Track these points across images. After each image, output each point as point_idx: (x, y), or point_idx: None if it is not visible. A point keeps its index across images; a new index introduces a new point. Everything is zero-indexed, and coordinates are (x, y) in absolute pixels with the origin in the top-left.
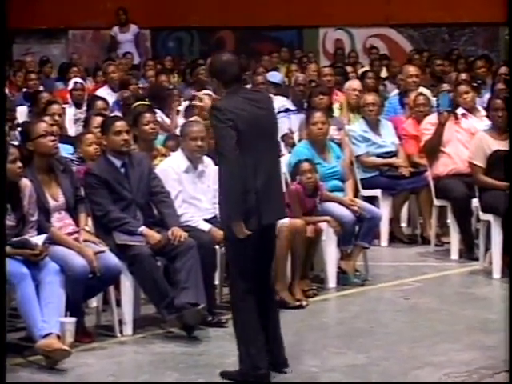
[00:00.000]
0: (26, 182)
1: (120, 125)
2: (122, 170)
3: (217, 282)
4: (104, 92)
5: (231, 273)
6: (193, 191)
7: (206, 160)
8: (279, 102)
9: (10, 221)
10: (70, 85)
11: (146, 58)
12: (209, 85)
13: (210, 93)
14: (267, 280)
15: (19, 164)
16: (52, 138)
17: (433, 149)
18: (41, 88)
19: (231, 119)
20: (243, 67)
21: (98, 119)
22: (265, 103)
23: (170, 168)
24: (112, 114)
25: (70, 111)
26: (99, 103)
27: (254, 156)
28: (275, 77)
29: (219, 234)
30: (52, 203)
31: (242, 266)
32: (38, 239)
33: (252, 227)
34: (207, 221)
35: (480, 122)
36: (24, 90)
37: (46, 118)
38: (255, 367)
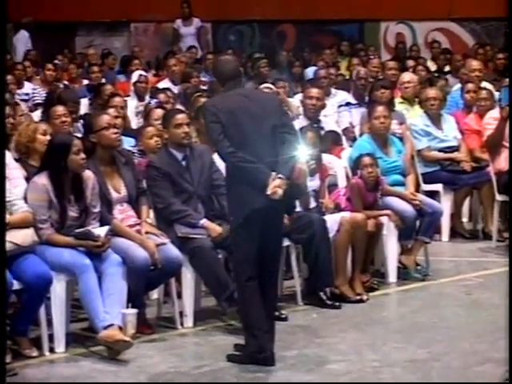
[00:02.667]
0: (88, 174)
1: (181, 117)
2: (184, 163)
3: None
4: (165, 85)
5: (236, 258)
6: None
7: None
8: (341, 96)
9: (73, 212)
10: (134, 77)
11: (207, 52)
12: (269, 78)
13: (271, 86)
14: (271, 272)
15: (82, 156)
16: (115, 130)
17: (495, 143)
18: (103, 80)
19: (214, 113)
20: (239, 67)
21: (158, 112)
22: (258, 97)
23: None
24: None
25: (132, 104)
26: (162, 96)
27: (240, 142)
28: (312, 72)
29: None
30: (114, 195)
31: (247, 252)
32: (101, 231)
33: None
34: None
35: None
36: (86, 82)
37: (111, 111)
38: (261, 349)
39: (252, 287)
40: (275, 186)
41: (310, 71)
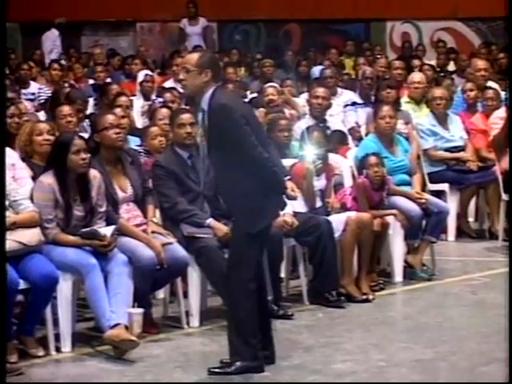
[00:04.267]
0: (94, 173)
1: (184, 117)
2: (189, 162)
3: (283, 275)
4: (171, 85)
5: (236, 263)
6: None
7: None
8: (346, 96)
9: (78, 211)
10: (140, 77)
11: (213, 51)
12: (275, 78)
13: (276, 85)
14: (262, 277)
15: (82, 155)
16: (117, 130)
17: (501, 143)
18: (108, 80)
19: (242, 116)
20: None
21: (163, 111)
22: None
23: None
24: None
25: (138, 103)
26: (168, 95)
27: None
28: (318, 71)
29: (280, 222)
30: (120, 194)
31: (252, 256)
32: (107, 230)
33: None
34: None
35: None
36: (91, 81)
37: (117, 110)
38: (256, 358)
39: (252, 291)
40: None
41: (315, 70)
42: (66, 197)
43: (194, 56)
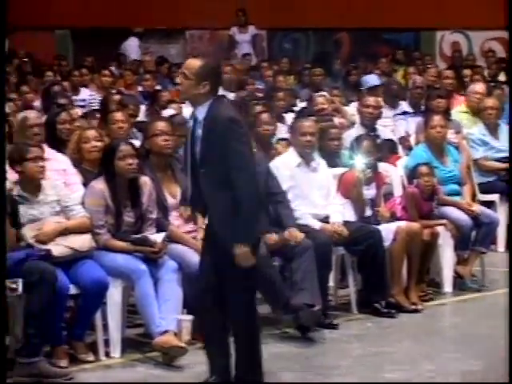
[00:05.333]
0: (145, 180)
1: None
2: None
3: (331, 284)
4: (220, 92)
5: (241, 288)
6: (306, 187)
7: (318, 158)
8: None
9: (129, 217)
10: None
11: (261, 59)
12: (324, 86)
13: (326, 94)
14: None
15: (129, 161)
16: (166, 137)
17: None
18: (157, 87)
19: (246, 134)
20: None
21: None
22: None
23: (283, 164)
24: None
25: (187, 111)
26: None
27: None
28: (372, 80)
29: (330, 230)
30: (171, 201)
31: (253, 280)
32: (157, 237)
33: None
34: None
35: None
36: (140, 88)
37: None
38: (261, 374)
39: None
40: None
41: (366, 79)
42: (117, 202)
43: (196, 64)
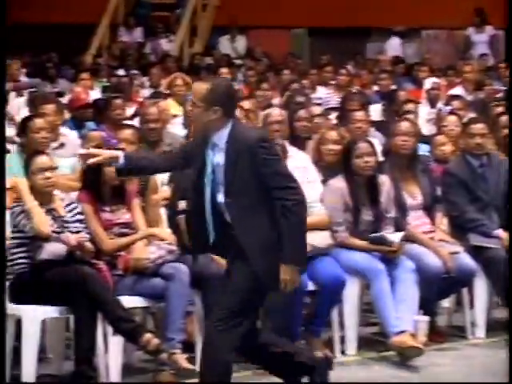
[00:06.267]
0: (384, 179)
1: (477, 127)
2: (480, 171)
3: None
4: (457, 92)
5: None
6: None
7: None
8: None
9: (367, 216)
10: (427, 84)
11: (499, 60)
12: None
13: None
14: None
15: (366, 159)
16: (405, 138)
17: None
18: (393, 87)
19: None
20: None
21: (451, 119)
22: None
23: None
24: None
25: (424, 110)
26: (455, 102)
27: None
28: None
29: None
30: (409, 201)
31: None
32: (395, 236)
33: None
34: None
35: None
36: (376, 88)
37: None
38: None
39: None
40: None
41: None
42: (355, 201)
43: (202, 88)
